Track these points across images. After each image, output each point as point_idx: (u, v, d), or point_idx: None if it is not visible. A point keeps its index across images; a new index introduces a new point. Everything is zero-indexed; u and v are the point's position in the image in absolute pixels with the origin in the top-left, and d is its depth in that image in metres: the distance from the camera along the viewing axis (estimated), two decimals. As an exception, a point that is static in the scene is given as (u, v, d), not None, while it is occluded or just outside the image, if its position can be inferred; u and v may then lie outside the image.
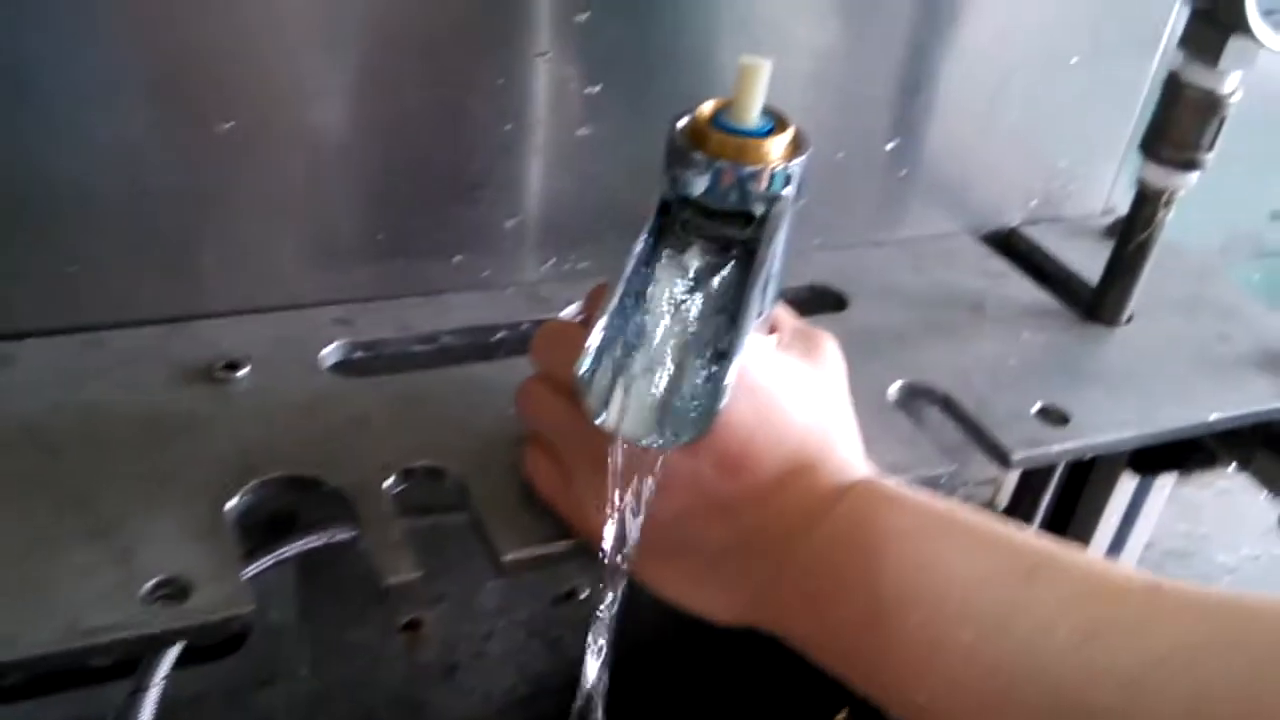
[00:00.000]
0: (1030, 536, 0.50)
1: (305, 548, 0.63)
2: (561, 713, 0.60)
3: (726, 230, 0.52)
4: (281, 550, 0.63)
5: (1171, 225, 0.76)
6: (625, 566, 0.52)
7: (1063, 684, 0.44)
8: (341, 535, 0.63)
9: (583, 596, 0.90)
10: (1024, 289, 0.83)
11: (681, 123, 0.51)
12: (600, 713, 0.57)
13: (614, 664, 0.58)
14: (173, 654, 0.59)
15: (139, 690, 0.60)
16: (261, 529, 0.57)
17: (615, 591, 0.53)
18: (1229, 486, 1.24)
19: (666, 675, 0.99)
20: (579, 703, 0.55)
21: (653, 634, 0.95)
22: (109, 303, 0.66)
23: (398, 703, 0.89)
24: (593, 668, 0.55)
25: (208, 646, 0.76)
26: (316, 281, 0.70)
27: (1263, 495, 0.85)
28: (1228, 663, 0.42)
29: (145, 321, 0.66)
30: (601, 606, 0.53)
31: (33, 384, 0.61)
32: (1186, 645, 0.43)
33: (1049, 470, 0.92)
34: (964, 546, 0.49)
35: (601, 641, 0.54)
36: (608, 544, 0.51)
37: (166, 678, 0.60)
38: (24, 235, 0.62)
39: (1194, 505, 1.20)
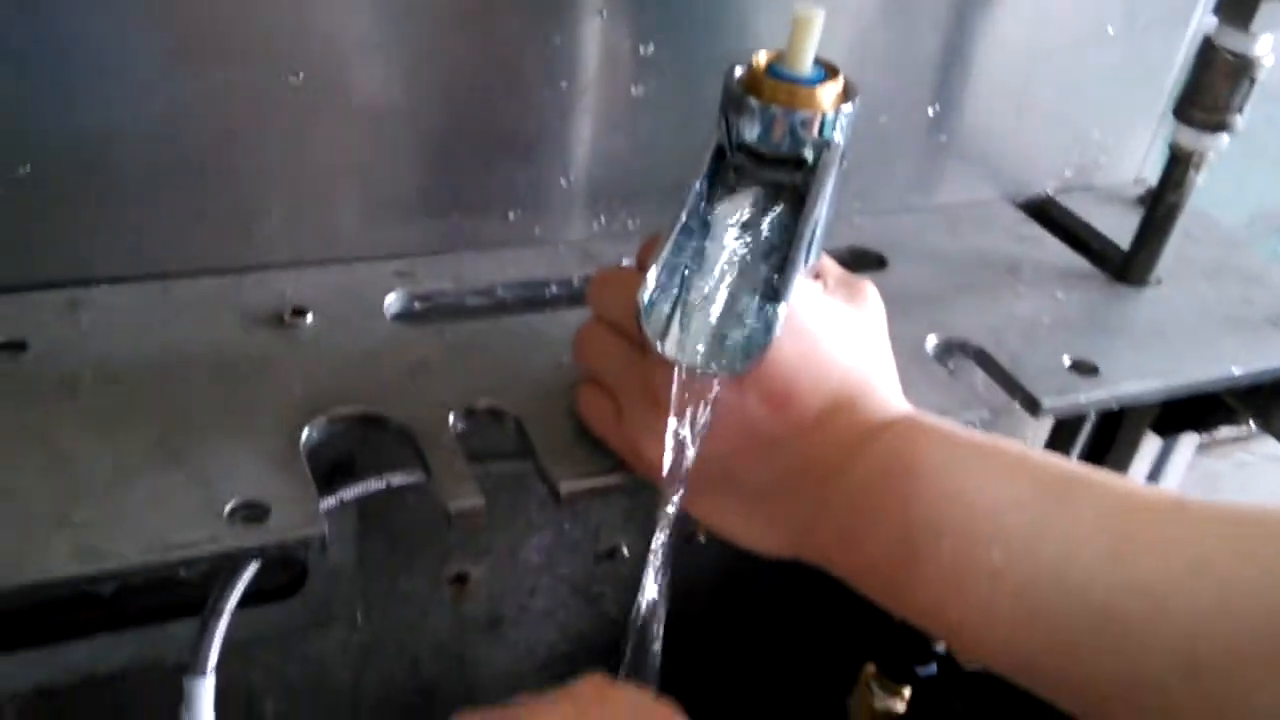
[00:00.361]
0: (1060, 460, 0.51)
1: (370, 490, 0.66)
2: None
3: (778, 175, 0.54)
4: (349, 489, 0.66)
5: (1200, 201, 0.78)
6: (680, 493, 0.54)
7: (1090, 599, 0.46)
8: (403, 479, 0.67)
9: (624, 555, 0.92)
10: (1057, 252, 0.84)
11: (737, 71, 0.54)
12: (658, 639, 0.59)
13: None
14: (246, 577, 0.62)
15: (211, 616, 0.63)
16: (322, 477, 0.59)
17: (670, 518, 0.55)
18: (1248, 459, 1.27)
19: (701, 631, 1.01)
20: (636, 618, 0.58)
21: (685, 597, 0.98)
22: (179, 253, 0.68)
23: (443, 654, 0.91)
24: (650, 590, 0.57)
25: (272, 589, 0.79)
26: (377, 235, 0.72)
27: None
28: (1249, 573, 0.43)
29: (214, 271, 0.69)
30: (658, 534, 0.56)
31: (108, 327, 0.63)
32: (1210, 558, 0.44)
33: (1075, 431, 0.94)
34: (995, 473, 0.51)
35: (660, 562, 0.57)
36: (665, 467, 0.53)
37: (232, 615, 0.63)
38: (98, 187, 0.64)
39: (1213, 474, 1.23)
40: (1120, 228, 0.84)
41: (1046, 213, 0.91)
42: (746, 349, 0.51)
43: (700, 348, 0.51)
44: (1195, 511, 0.47)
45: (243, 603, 0.62)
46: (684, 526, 0.78)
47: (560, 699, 0.50)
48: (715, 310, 0.52)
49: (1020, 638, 0.48)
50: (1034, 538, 0.48)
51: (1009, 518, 0.49)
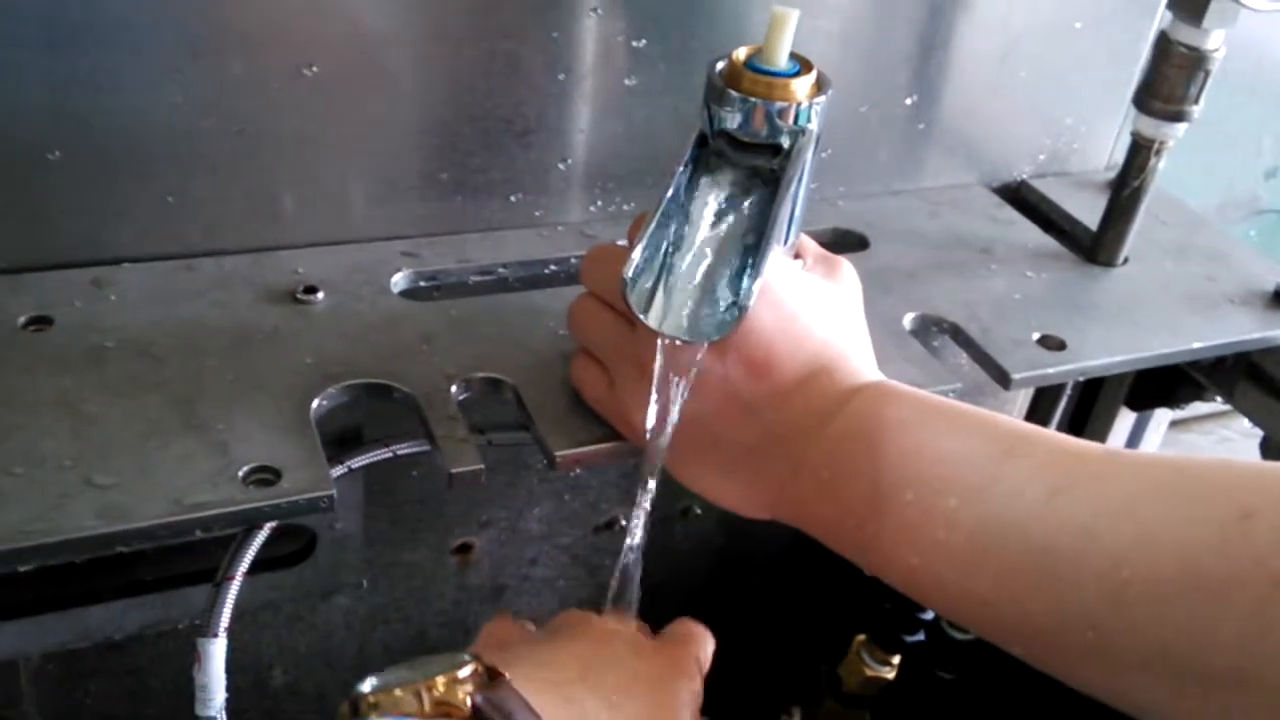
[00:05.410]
0: (1007, 419, 0.55)
1: (376, 457, 0.69)
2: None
3: (757, 160, 0.58)
4: (357, 457, 0.68)
5: (1171, 188, 0.81)
6: (663, 450, 0.58)
7: (1031, 536, 0.50)
8: (408, 448, 0.70)
9: (622, 526, 0.96)
10: (1030, 234, 0.88)
11: (719, 65, 0.57)
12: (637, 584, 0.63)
13: (646, 602, 0.65)
14: (259, 540, 0.65)
15: (224, 578, 0.66)
16: (331, 447, 0.62)
17: (653, 476, 0.59)
18: (1229, 435, 1.30)
19: (698, 604, 1.04)
20: (623, 560, 0.61)
21: (684, 571, 1.01)
22: (199, 234, 0.71)
23: (448, 622, 0.95)
24: (635, 532, 0.61)
25: (281, 557, 0.82)
26: (385, 217, 0.76)
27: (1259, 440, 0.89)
28: (1166, 509, 0.48)
29: (231, 251, 0.72)
30: (641, 494, 0.60)
31: (133, 303, 0.67)
32: (1134, 496, 0.49)
33: (1052, 406, 0.98)
34: (950, 430, 0.55)
35: (640, 517, 0.61)
36: (648, 429, 0.57)
37: (243, 582, 0.66)
38: (124, 173, 0.68)
39: (1195, 449, 1.26)
40: (1091, 211, 0.87)
41: (1021, 196, 0.94)
42: (722, 320, 0.55)
43: (681, 319, 0.55)
44: (1121, 459, 0.52)
45: (253, 570, 0.64)
46: (678, 499, 0.81)
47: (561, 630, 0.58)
48: (695, 284, 0.56)
49: (972, 579, 0.52)
50: (984, 486, 0.52)
51: (964, 469, 0.53)
